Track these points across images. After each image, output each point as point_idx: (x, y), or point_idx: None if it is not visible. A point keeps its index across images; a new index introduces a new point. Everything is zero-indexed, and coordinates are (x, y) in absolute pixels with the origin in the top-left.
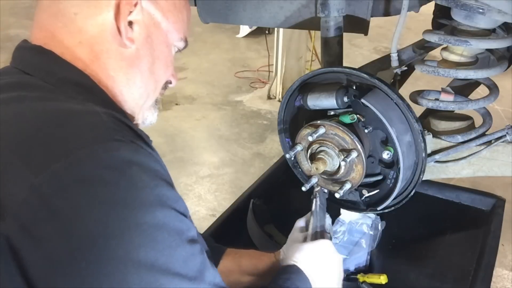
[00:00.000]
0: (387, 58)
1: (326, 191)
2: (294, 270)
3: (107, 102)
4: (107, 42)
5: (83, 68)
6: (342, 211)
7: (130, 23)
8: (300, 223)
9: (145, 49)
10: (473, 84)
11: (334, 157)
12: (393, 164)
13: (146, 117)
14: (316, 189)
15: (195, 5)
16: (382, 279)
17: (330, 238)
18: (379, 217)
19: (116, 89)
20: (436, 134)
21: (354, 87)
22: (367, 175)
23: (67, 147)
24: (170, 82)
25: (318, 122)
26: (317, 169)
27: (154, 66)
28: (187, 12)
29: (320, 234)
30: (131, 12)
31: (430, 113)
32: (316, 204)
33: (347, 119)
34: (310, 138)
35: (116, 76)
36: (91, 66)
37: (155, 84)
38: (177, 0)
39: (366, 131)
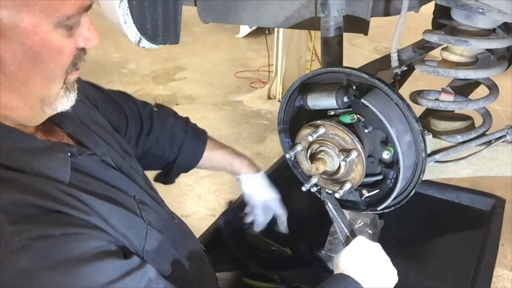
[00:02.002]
0: (387, 58)
1: (330, 191)
2: (337, 276)
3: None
4: None
5: None
6: None
7: None
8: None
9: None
10: (473, 84)
11: (334, 157)
12: (393, 164)
13: (55, 108)
14: (322, 196)
15: (195, 5)
16: None
17: None
18: (377, 215)
19: None
20: (436, 134)
21: (354, 87)
22: (367, 175)
23: None
24: (85, 47)
25: (318, 122)
26: (317, 169)
27: (29, 84)
28: None
29: (351, 234)
30: None
31: (430, 113)
32: (330, 209)
33: (347, 119)
34: (310, 138)
35: None
36: None
37: (44, 91)
38: None
39: (366, 131)
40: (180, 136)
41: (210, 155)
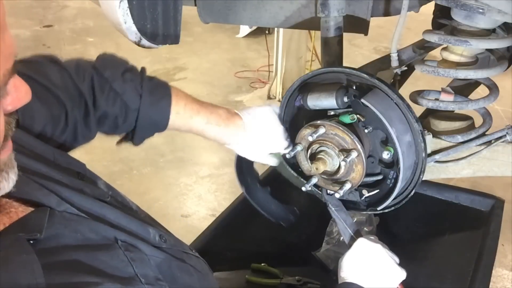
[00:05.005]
0: (387, 58)
1: (330, 192)
2: (341, 286)
3: None
4: None
5: None
6: None
7: None
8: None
9: None
10: (473, 84)
11: (334, 157)
12: (393, 164)
13: None
14: (323, 198)
15: (195, 5)
16: None
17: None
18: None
19: None
20: (436, 134)
21: (354, 87)
22: (367, 175)
23: None
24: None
25: (318, 122)
26: (317, 169)
27: None
28: None
29: (356, 234)
30: None
31: (430, 113)
32: (332, 210)
33: (347, 119)
34: (310, 138)
35: None
36: None
37: None
38: None
39: (366, 131)
40: (134, 105)
41: (176, 124)
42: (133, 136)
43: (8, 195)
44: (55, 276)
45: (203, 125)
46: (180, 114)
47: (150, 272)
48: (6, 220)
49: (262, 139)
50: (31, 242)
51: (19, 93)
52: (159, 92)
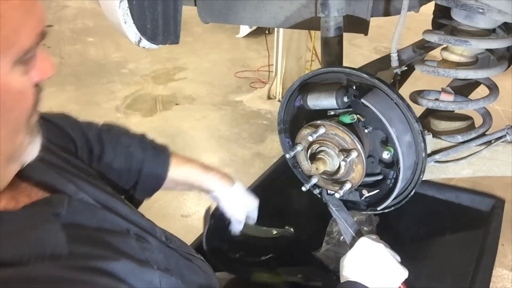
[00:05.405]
0: (387, 58)
1: (331, 192)
2: (344, 285)
3: None
4: None
5: None
6: None
7: None
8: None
9: None
10: (473, 84)
11: (334, 157)
12: (393, 164)
13: (24, 161)
14: (323, 198)
15: (195, 5)
16: None
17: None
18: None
19: None
20: (436, 134)
21: (354, 87)
22: (367, 175)
23: None
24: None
25: (318, 122)
26: (317, 169)
27: None
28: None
29: (357, 233)
30: None
31: (430, 113)
32: (332, 210)
33: (347, 119)
34: (310, 138)
35: None
36: None
37: (10, 147)
38: None
39: (366, 131)
40: (138, 157)
41: (175, 174)
42: (134, 192)
43: (28, 179)
44: (77, 246)
45: (200, 172)
46: (179, 164)
47: (160, 261)
48: (27, 200)
49: (246, 197)
50: (54, 216)
51: (45, 65)
52: (159, 147)
